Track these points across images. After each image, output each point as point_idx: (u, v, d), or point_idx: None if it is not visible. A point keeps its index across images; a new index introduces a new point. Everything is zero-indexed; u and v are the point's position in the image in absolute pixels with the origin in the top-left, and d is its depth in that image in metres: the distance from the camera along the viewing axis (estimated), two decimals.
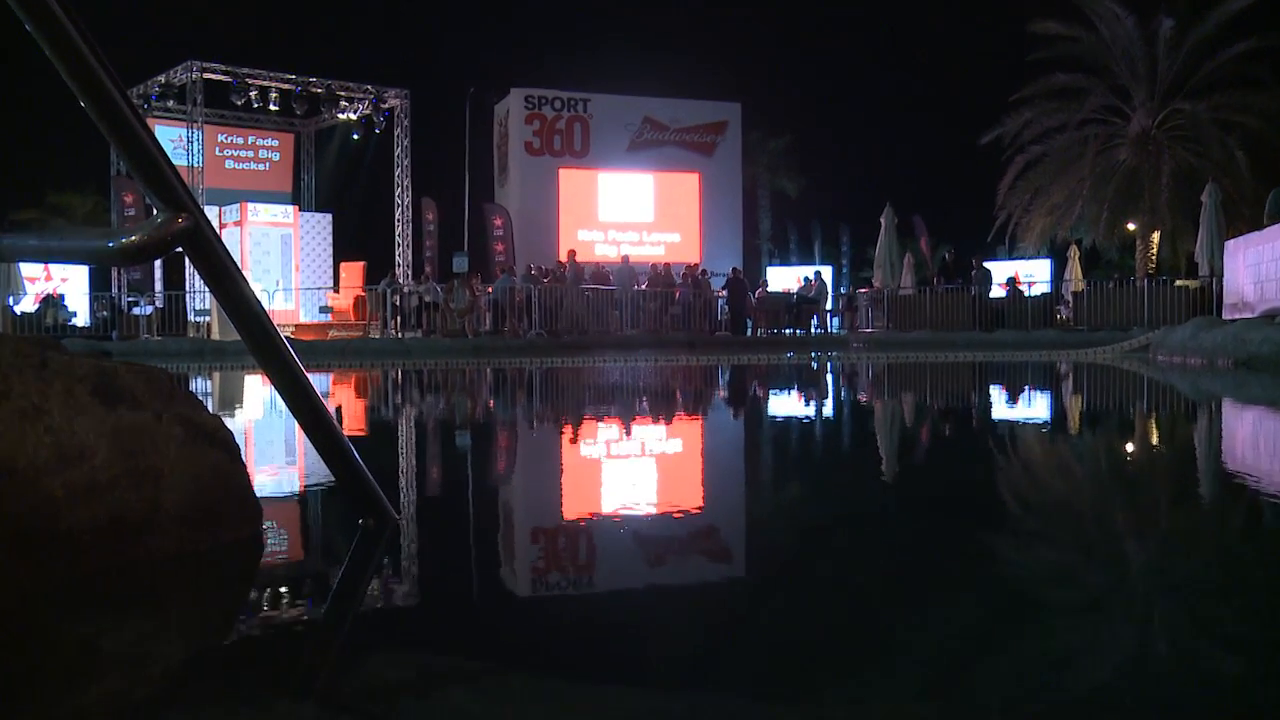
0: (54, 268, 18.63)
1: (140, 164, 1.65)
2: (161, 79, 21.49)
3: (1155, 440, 4.14)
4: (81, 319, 18.98)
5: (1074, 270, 22.10)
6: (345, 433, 2.06)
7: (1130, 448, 3.92)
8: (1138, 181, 21.09)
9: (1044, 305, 17.95)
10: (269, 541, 1.98)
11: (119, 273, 20.93)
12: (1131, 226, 22.60)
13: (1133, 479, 3.13)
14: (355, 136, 24.25)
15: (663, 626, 1.50)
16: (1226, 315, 11.19)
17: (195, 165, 20.74)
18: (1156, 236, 21.68)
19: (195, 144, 21.02)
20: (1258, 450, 3.71)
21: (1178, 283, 17.18)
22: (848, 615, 1.52)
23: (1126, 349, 11.99)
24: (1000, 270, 21.08)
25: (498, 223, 22.32)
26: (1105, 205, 21.38)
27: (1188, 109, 20.79)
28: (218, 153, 24.29)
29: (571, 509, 2.52)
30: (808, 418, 5.27)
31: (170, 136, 21.29)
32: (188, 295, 19.11)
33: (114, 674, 1.30)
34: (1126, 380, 8.30)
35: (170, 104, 21.95)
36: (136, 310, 19.07)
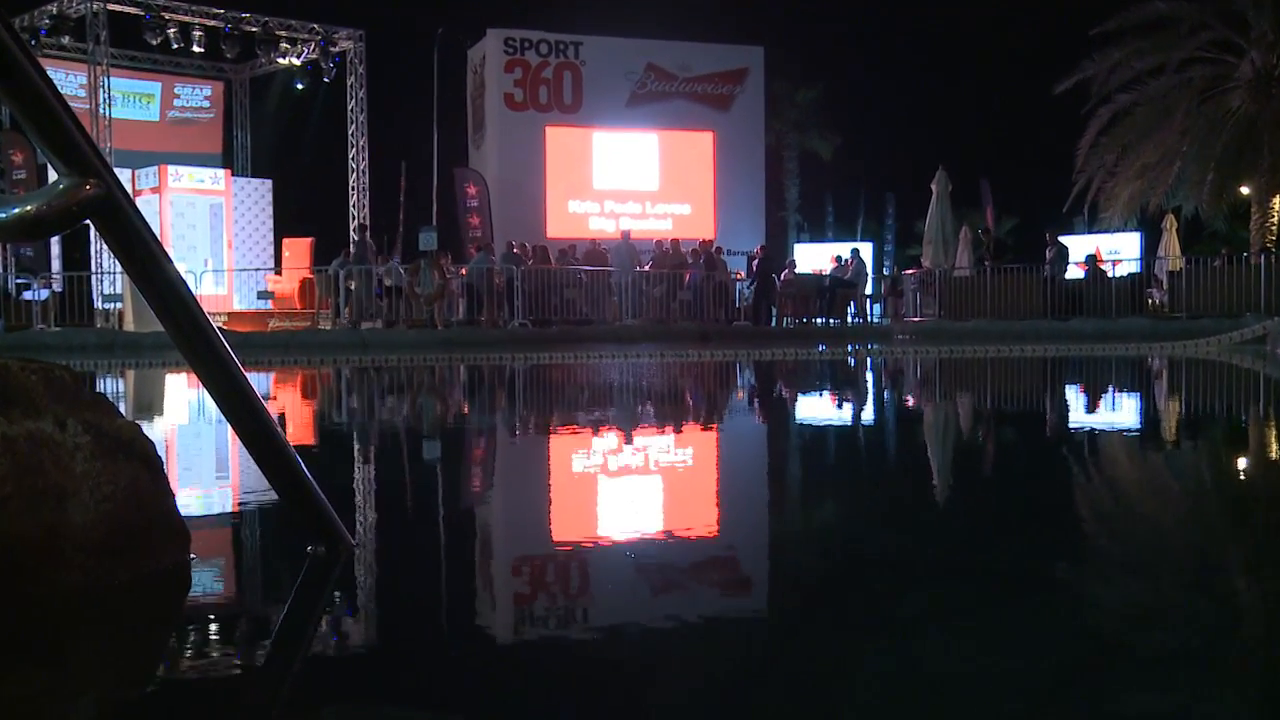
0: None
1: (35, 116, 1.63)
2: (53, 9, 21.15)
3: (1277, 455, 4.12)
4: None
5: (1170, 245, 21.99)
6: (291, 443, 2.05)
7: (1246, 466, 3.91)
8: (1255, 134, 20.64)
9: (1132, 288, 17.90)
10: (198, 573, 1.98)
11: (5, 249, 20.84)
12: (1245, 190, 22.31)
13: (1253, 508, 3.11)
14: (299, 86, 24.22)
15: (659, 681, 1.49)
16: None
17: (101, 118, 20.63)
18: (1278, 202, 21.34)
19: (100, 92, 20.85)
20: None
21: None
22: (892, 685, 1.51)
23: (1237, 341, 11.95)
24: (1078, 246, 21.01)
25: (471, 191, 22.31)
26: (1212, 165, 21.05)
27: None
28: (129, 104, 24.25)
29: (557, 537, 2.51)
30: (843, 430, 5.26)
31: (67, 82, 21.18)
32: (93, 277, 19.09)
33: None
34: (1239, 379, 8.27)
35: (65, 41, 21.74)
36: (29, 295, 18.99)
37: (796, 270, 21.62)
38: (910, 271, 22.43)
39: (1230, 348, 11.59)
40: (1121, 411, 6.00)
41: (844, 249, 22.88)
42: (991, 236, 20.51)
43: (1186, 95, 21.23)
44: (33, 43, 20.32)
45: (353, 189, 23.79)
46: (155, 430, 4.80)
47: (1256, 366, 9.15)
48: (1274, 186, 21.01)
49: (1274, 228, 21.29)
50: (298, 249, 23.20)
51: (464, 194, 22.22)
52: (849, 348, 14.28)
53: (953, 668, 1.48)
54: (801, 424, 5.38)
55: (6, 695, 1.41)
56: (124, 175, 19.74)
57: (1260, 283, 15.94)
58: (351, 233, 23.44)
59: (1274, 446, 4.30)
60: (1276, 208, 21.31)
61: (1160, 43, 21.47)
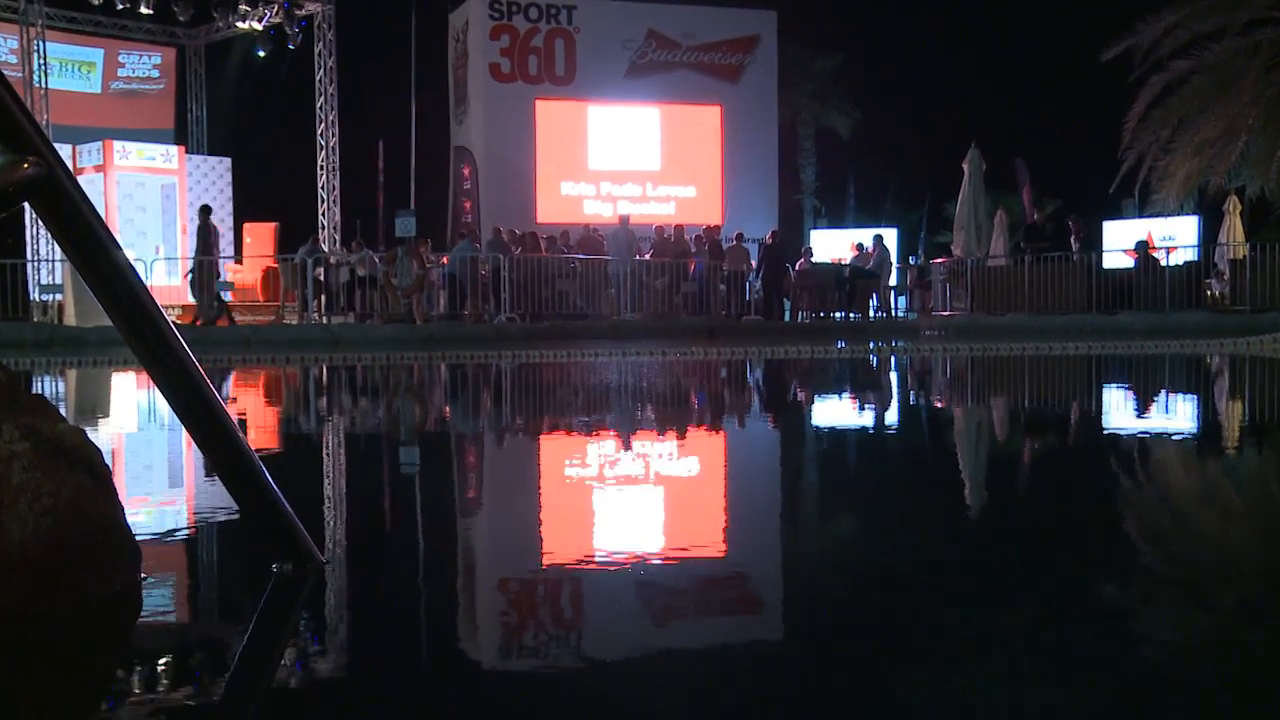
0: None
1: None
2: None
3: None
4: None
5: (1233, 230, 21.93)
6: (254, 450, 2.05)
7: None
8: None
9: (1188, 277, 17.89)
10: (150, 595, 1.97)
11: None
12: None
13: None
14: (261, 54, 24.19)
15: (656, 705, 1.49)
16: None
17: (36, 87, 20.53)
18: None
19: (34, 58, 20.72)
20: None
21: None
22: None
23: None
24: (1128, 231, 20.97)
25: (466, 173, 22.28)
26: None
27: None
28: (67, 72, 24.18)
29: (545, 555, 2.52)
30: (864, 441, 5.26)
31: None
32: (29, 265, 19.07)
33: None
34: None
35: None
36: None
37: (813, 259, 21.63)
38: (939, 261, 22.42)
39: None
40: (1175, 418, 5.99)
41: (865, 235, 22.86)
42: (1045, 217, 20.39)
43: (1253, 62, 21.02)
44: None
45: (321, 168, 23.74)
46: (101, 436, 4.80)
47: None
48: None
49: None
50: (260, 235, 23.21)
51: (459, 176, 22.12)
52: (871, 345, 14.28)
53: (984, 701, 1.48)
54: (817, 432, 5.38)
55: None
56: (64, 151, 19.59)
57: None
58: (320, 216, 23.45)
59: None
60: None
61: (1222, 2, 21.32)
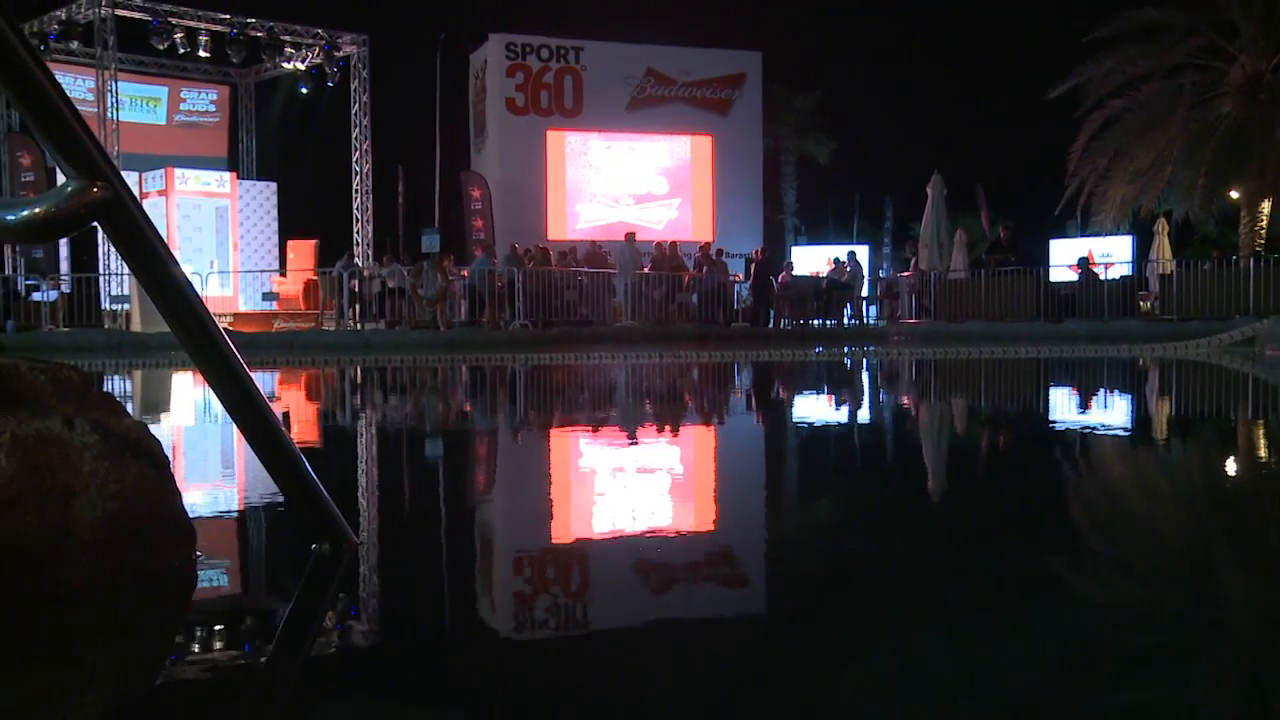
0: None
1: (43, 119, 1.63)
2: (62, 14, 21.17)
3: (1265, 455, 4.12)
4: None
5: (1162, 248, 21.95)
6: (296, 442, 2.05)
7: (1234, 467, 3.91)
8: (1244, 139, 20.64)
9: (1124, 290, 17.89)
10: (203, 571, 1.97)
11: (14, 251, 20.82)
12: (1235, 195, 22.33)
13: (1237, 507, 3.11)
14: (303, 90, 24.19)
15: (660, 674, 1.49)
16: None
17: (109, 121, 20.60)
18: (1267, 206, 21.28)
19: (108, 96, 20.86)
20: None
21: None
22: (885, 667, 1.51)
23: (1227, 342, 11.96)
24: (1071, 249, 21.03)
25: (475, 194, 22.30)
26: (1202, 169, 21.05)
27: None
28: (136, 107, 24.22)
29: (558, 535, 2.51)
30: (839, 431, 5.26)
31: (75, 86, 21.17)
32: (101, 278, 19.07)
33: None
34: (1227, 380, 8.27)
35: (74, 46, 21.71)
36: (38, 296, 18.98)
37: (794, 273, 21.61)
38: (905, 275, 22.40)
39: (1220, 350, 11.60)
40: (1112, 412, 5.99)
41: (841, 251, 22.86)
42: (1008, 234, 20.48)
43: (1178, 101, 21.23)
44: (42, 48, 20.31)
45: (356, 192, 23.74)
46: (161, 429, 4.80)
47: (1245, 368, 9.15)
48: (1263, 191, 21.01)
49: (1262, 231, 21.31)
50: (302, 251, 23.18)
51: (469, 197, 22.21)
52: (845, 349, 14.28)
53: (946, 660, 1.48)
54: (798, 424, 5.38)
55: (14, 692, 1.41)
56: (131, 178, 19.70)
57: (1249, 286, 15.95)
58: (354, 234, 23.45)
59: (1262, 447, 4.30)
60: (1265, 212, 21.32)
61: (1152, 49, 21.47)
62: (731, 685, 1.44)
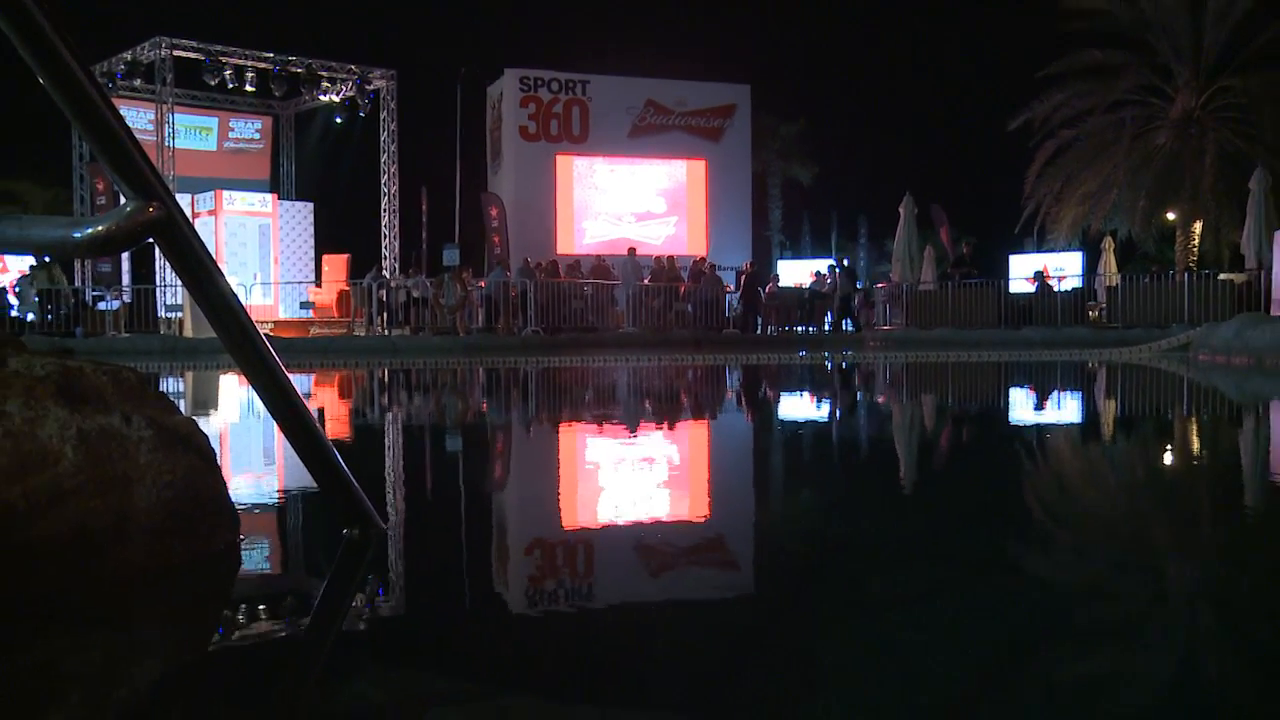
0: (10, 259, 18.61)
1: (107, 148, 1.64)
2: (128, 56, 21.43)
3: (1197, 449, 4.12)
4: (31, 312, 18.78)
5: (1108, 263, 22.04)
6: (329, 437, 2.06)
7: (1170, 458, 3.91)
8: (1178, 167, 20.86)
9: (1075, 301, 17.91)
10: (246, 553, 1.98)
11: (82, 265, 20.89)
12: (1171, 216, 22.45)
13: (1173, 493, 3.12)
14: (338, 120, 24.24)
15: (665, 647, 1.49)
16: (1275, 311, 11.17)
17: (166, 149, 20.71)
18: (1198, 227, 21.49)
19: (165, 126, 21.01)
20: None
21: (1221, 276, 17.08)
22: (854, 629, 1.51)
23: (1165, 348, 11.96)
24: (1028, 263, 21.07)
25: (494, 213, 22.30)
26: (1142, 193, 21.22)
27: (1237, 85, 20.45)
28: (189, 136, 24.27)
29: (569, 520, 2.51)
30: (820, 425, 5.26)
31: (137, 118, 21.28)
32: (158, 289, 19.11)
33: (77, 700, 1.29)
34: (1165, 382, 8.28)
35: (137, 83, 21.88)
36: (103, 305, 19.05)
37: (779, 283, 21.62)
38: (881, 285, 22.42)
39: (1159, 354, 11.60)
40: (1064, 410, 6.00)
41: (823, 265, 22.89)
42: (971, 250, 20.61)
43: (1121, 133, 21.46)
44: (110, 85, 20.51)
45: (384, 211, 23.82)
46: (209, 425, 4.80)
47: (1180, 371, 9.16)
48: (1194, 214, 21.26)
49: (1195, 249, 21.56)
50: (336, 264, 23.21)
51: (486, 215, 22.22)
52: (826, 354, 14.27)
53: (916, 630, 1.48)
54: (783, 420, 5.39)
55: (83, 658, 1.41)
56: (184, 199, 19.76)
57: (1184, 297, 16.06)
58: (383, 249, 23.47)
59: (1193, 438, 4.31)
60: (1197, 232, 21.59)
61: (1097, 86, 21.72)
62: (727, 648, 1.44)
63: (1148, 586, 1.83)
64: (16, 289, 17.93)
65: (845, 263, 22.12)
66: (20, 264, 18.72)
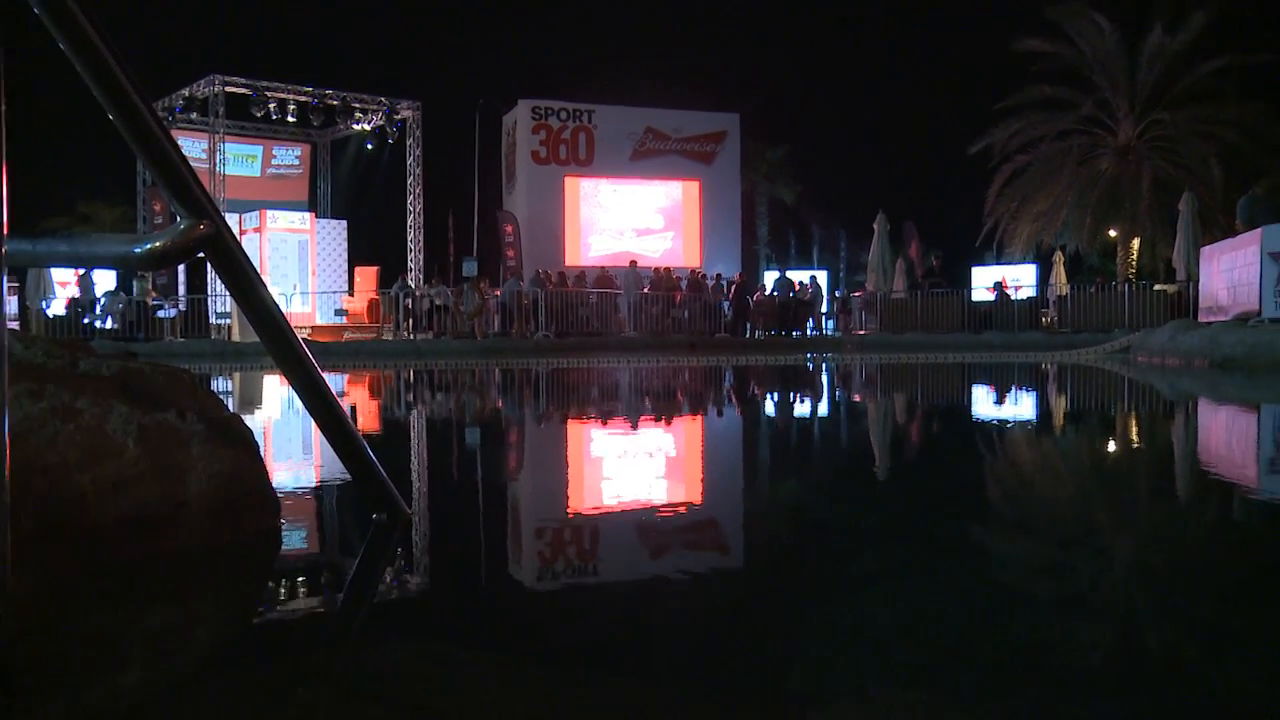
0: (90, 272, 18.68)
1: (164, 172, 1.65)
2: (185, 92, 21.60)
3: (1135, 437, 4.13)
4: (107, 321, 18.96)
5: (1058, 275, 22.11)
6: (359, 431, 2.07)
7: (1112, 446, 3.92)
8: (1119, 190, 21.13)
9: (1030, 308, 17.94)
10: (287, 535, 1.99)
11: (142, 277, 20.88)
12: (1113, 233, 22.63)
13: (1113, 476, 3.13)
14: (369, 146, 24.27)
15: (674, 620, 1.50)
16: (1202, 318, 11.18)
17: (217, 174, 20.79)
18: (1136, 243, 21.73)
19: (217, 154, 21.12)
20: (1230, 446, 3.71)
21: (1156, 287, 17.22)
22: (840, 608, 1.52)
23: (1108, 350, 11.97)
24: (988, 274, 21.13)
25: (509, 229, 22.32)
26: (1088, 213, 21.41)
27: (1167, 119, 20.80)
28: (238, 162, 24.32)
29: (580, 505, 2.52)
30: (802, 418, 5.27)
31: (193, 147, 21.36)
32: (209, 299, 19.14)
33: (141, 660, 1.31)
34: (1108, 380, 8.29)
35: (193, 116, 22.03)
36: (161, 313, 19.11)
37: (766, 292, 21.61)
38: (857, 294, 22.45)
39: (1103, 356, 11.60)
40: (1022, 405, 6.00)
41: (804, 276, 22.95)
42: (940, 262, 20.71)
43: (1069, 158, 21.80)
44: (169, 119, 20.68)
45: (409, 227, 23.88)
46: (254, 420, 4.81)
47: (1122, 371, 9.18)
48: (1133, 231, 21.58)
49: (1134, 263, 21.82)
50: (366, 275, 23.23)
51: (503, 231, 22.25)
52: (808, 355, 14.27)
53: (889, 600, 1.49)
54: (770, 414, 5.39)
55: (143, 628, 1.43)
56: (232, 219, 19.79)
57: (1125, 305, 16.20)
58: (408, 261, 23.48)
59: (1132, 429, 4.32)
60: (1135, 248, 21.89)
61: (1048, 117, 22.12)
62: (723, 617, 1.45)
63: (1092, 561, 1.84)
64: (103, 301, 18.11)
65: (813, 277, 22.21)
66: (107, 280, 18.87)
